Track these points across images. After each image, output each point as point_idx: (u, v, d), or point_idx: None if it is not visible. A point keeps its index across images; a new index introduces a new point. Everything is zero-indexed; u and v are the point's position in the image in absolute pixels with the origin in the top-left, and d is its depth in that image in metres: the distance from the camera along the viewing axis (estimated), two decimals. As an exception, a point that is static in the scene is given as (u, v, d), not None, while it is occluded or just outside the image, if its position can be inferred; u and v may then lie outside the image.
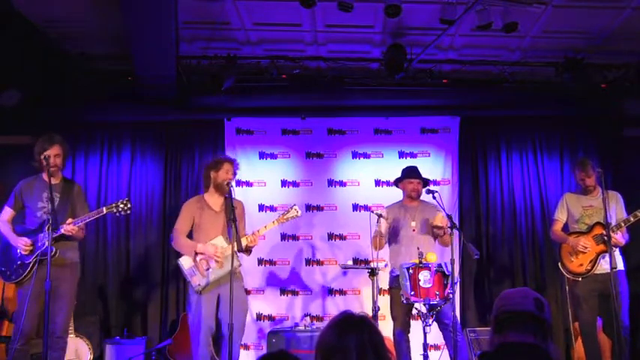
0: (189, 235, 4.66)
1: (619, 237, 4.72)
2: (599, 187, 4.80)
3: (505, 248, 6.65)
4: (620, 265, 4.80)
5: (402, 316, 4.85)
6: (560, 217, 5.10)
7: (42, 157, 4.24)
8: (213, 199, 4.70)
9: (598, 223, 4.79)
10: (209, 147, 6.67)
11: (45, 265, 4.02)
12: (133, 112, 6.49)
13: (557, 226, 5.10)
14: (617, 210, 4.89)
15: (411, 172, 5.17)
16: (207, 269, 4.47)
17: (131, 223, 6.53)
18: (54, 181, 4.33)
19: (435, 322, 4.53)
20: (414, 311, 4.80)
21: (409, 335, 4.88)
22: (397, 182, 5.28)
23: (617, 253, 4.77)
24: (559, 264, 5.04)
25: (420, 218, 5.02)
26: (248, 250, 4.62)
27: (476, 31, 5.25)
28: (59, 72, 6.03)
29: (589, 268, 4.80)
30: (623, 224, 4.74)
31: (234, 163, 4.74)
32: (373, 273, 5.00)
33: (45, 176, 4.32)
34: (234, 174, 4.74)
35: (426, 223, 4.99)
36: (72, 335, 5.14)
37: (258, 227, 4.66)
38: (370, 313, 4.95)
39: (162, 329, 6.37)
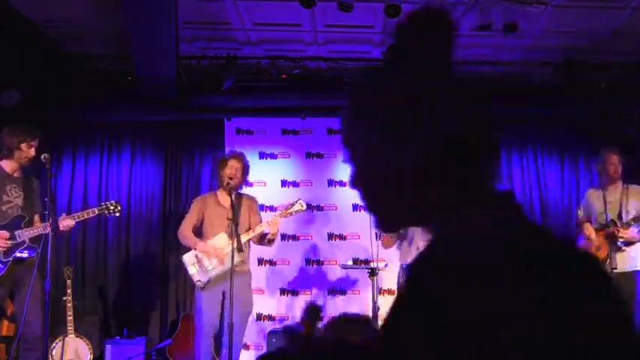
0: (200, 230, 4.70)
1: (635, 233, 4.52)
2: (621, 180, 4.71)
3: (505, 248, 6.63)
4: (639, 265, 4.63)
5: None
6: (580, 213, 5.04)
7: (23, 146, 4.10)
8: (223, 196, 4.68)
9: (612, 220, 4.63)
10: (209, 147, 6.66)
11: (17, 265, 3.95)
12: (133, 112, 6.48)
13: (579, 221, 5.03)
14: (637, 205, 4.62)
15: None
16: (209, 266, 4.48)
17: (131, 223, 6.52)
18: (17, 174, 4.20)
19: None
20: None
21: None
22: None
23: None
24: None
25: None
26: (270, 241, 4.67)
27: (476, 31, 5.25)
28: (59, 72, 6.02)
29: None
30: (632, 222, 4.55)
31: (241, 158, 4.70)
32: (373, 273, 5.01)
33: (5, 166, 4.17)
34: (245, 171, 4.69)
35: None
36: (72, 335, 5.14)
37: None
38: (370, 314, 4.96)
39: (162, 329, 6.36)
